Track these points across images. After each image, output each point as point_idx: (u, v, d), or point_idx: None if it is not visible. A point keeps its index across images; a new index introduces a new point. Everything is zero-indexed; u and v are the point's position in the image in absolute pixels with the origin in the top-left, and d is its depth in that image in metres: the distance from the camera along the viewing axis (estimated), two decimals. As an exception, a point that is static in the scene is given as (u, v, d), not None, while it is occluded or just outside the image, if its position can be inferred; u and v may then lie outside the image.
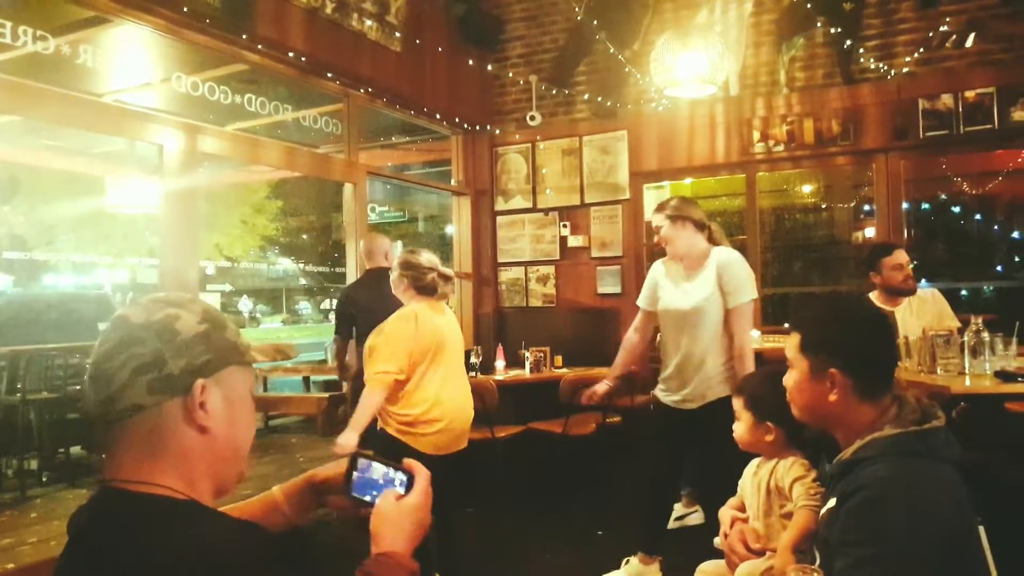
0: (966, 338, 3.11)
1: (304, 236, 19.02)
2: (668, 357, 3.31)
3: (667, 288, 3.34)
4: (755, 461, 2.07)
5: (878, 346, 1.47)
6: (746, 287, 3.15)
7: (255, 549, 0.95)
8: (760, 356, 4.85)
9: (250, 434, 1.07)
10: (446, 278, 3.11)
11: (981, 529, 1.34)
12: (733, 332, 3.14)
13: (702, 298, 3.17)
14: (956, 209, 10.67)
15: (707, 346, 3.16)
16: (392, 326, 2.98)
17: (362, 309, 3.99)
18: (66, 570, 0.93)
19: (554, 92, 6.19)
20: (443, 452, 2.99)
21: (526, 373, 5.41)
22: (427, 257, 3.10)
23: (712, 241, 3.29)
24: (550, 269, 6.26)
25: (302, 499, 1.21)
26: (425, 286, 3.06)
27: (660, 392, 3.37)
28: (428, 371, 2.99)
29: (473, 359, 5.33)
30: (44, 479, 5.34)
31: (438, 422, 2.98)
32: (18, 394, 5.23)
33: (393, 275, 3.15)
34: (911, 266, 3.77)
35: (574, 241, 6.13)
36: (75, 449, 5.80)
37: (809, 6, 5.22)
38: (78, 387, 5.64)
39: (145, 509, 0.92)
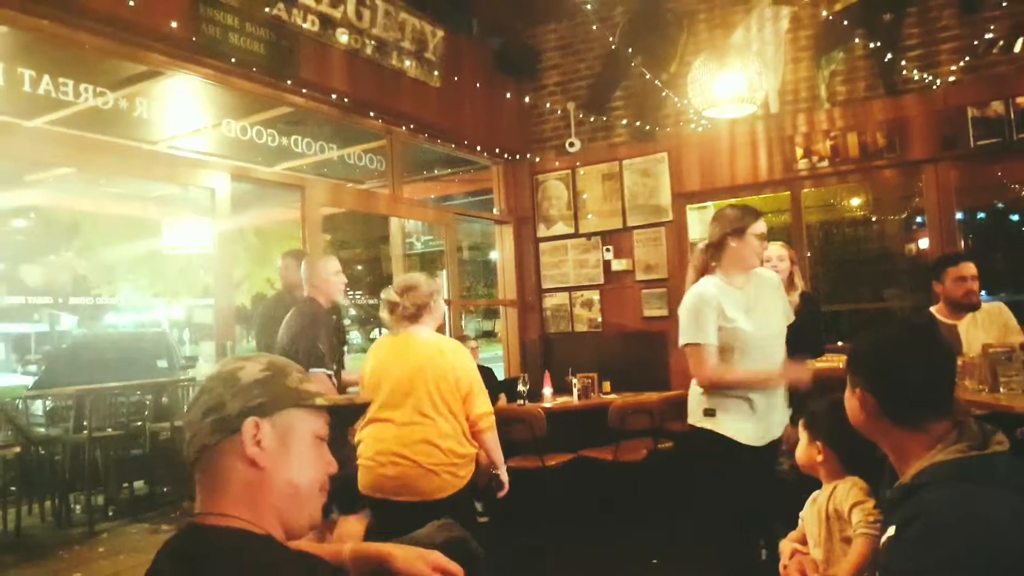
0: (1029, 353, 2.99)
1: (359, 267, 19.40)
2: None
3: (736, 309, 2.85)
4: (816, 492, 2.07)
5: (909, 373, 1.42)
6: None
7: None
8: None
9: (313, 474, 1.11)
10: (390, 306, 3.00)
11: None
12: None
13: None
14: (1015, 217, 10.31)
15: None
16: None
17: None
18: None
19: (592, 118, 6.23)
20: (370, 494, 2.90)
21: (574, 400, 5.38)
22: (389, 289, 3.05)
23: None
24: (594, 294, 6.25)
25: (366, 569, 1.21)
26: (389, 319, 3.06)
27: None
28: (379, 402, 2.93)
29: (520, 387, 5.34)
30: (110, 513, 5.52)
31: (364, 456, 2.91)
32: (84, 432, 5.43)
33: None
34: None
35: (618, 265, 6.10)
36: (138, 484, 5.99)
37: (846, 20, 5.17)
38: (139, 423, 5.84)
39: (221, 540, 1.00)
